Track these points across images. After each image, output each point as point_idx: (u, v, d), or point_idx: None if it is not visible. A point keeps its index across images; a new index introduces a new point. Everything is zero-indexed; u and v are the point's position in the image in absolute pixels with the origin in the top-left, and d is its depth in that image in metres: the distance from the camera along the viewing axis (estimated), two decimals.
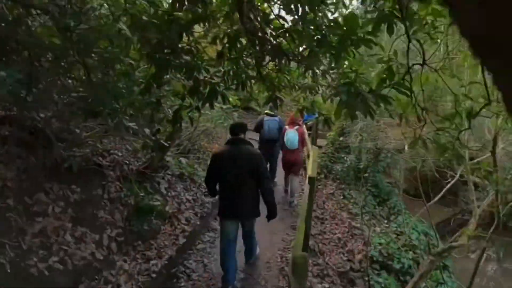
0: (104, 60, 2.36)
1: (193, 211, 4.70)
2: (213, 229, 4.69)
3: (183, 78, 2.72)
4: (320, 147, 10.16)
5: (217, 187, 3.37)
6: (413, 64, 1.40)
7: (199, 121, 5.92)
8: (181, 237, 4.10)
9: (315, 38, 2.03)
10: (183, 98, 2.92)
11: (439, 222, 9.68)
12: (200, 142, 6.58)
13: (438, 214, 9.78)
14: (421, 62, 1.36)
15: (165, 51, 2.57)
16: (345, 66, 2.18)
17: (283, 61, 2.28)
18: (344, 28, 1.49)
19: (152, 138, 3.32)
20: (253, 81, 2.59)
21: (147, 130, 3.29)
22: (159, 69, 2.68)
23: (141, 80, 2.80)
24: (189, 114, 3.01)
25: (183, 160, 5.28)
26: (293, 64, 2.70)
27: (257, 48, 2.23)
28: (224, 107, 6.91)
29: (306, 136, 7.74)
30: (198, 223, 4.59)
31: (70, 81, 3.43)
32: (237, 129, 3.28)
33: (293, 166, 5.76)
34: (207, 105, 2.75)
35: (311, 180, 3.56)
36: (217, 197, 3.50)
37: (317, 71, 2.22)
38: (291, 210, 5.55)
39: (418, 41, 1.34)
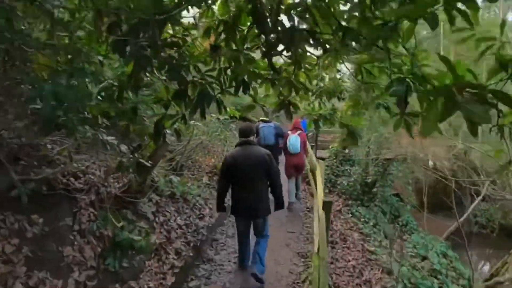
0: (54, 52, 1.66)
1: (185, 239, 3.93)
2: (209, 260, 3.93)
3: (165, 79, 2.03)
4: (323, 159, 9.49)
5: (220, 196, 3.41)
6: None
7: (193, 134, 5.22)
8: (170, 274, 3.32)
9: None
10: (167, 106, 2.23)
11: (448, 235, 8.99)
12: (195, 157, 5.84)
13: (444, 227, 9.11)
14: None
15: (142, 43, 1.89)
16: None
17: (300, 50, 1.60)
18: None
19: (130, 156, 2.59)
20: (259, 81, 1.91)
21: (123, 147, 2.56)
22: (135, 67, 1.99)
23: (111, 81, 2.10)
24: (175, 126, 2.31)
25: (174, 178, 4.53)
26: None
27: (266, 33, 1.55)
28: (221, 117, 6.25)
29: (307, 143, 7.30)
30: (191, 254, 3.82)
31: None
32: (247, 131, 3.38)
33: (297, 168, 5.83)
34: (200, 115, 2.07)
35: (327, 206, 2.82)
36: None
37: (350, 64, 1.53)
38: (297, 234, 4.81)
39: None
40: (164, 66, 1.99)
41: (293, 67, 1.61)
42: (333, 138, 12.25)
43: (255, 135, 5.33)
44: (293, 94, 1.89)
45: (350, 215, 6.32)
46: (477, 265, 7.79)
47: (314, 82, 2.25)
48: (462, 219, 4.79)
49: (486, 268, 8.63)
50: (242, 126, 3.55)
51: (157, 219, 3.90)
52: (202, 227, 4.35)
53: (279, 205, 3.39)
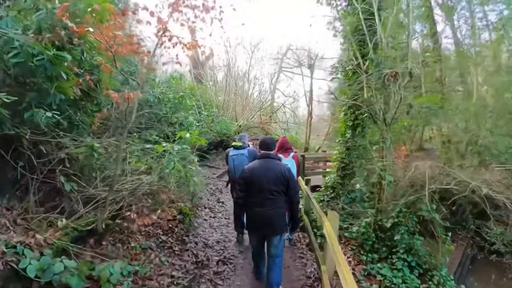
0: None
1: None
2: None
3: None
4: (317, 188, 7.48)
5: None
6: None
7: (116, 173, 3.07)
8: None
9: None
10: None
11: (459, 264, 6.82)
12: (130, 216, 3.60)
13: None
14: None
15: None
16: None
17: None
18: None
19: None
20: None
21: None
22: None
23: None
24: None
25: (61, 262, 2.31)
26: None
27: None
28: (177, 147, 4.16)
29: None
30: None
31: None
32: (268, 144, 3.21)
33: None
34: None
35: None
36: None
37: None
38: None
39: None
40: None
41: None
42: (320, 164, 10.48)
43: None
44: None
45: (370, 280, 4.12)
46: None
47: None
48: None
49: None
50: (264, 138, 3.34)
51: None
52: None
53: (294, 222, 3.21)
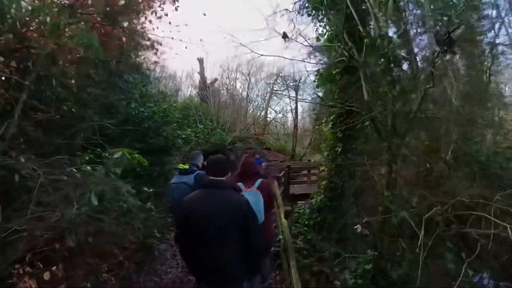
0: None
1: None
2: None
3: None
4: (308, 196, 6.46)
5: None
6: None
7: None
8: None
9: None
10: None
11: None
12: None
13: None
14: None
15: None
16: None
17: None
18: None
19: None
20: None
21: None
22: None
23: None
24: None
25: None
26: None
27: None
28: (100, 172, 2.77)
29: (277, 192, 4.83)
30: None
31: None
32: (217, 167, 2.08)
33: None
34: None
35: None
36: None
37: None
38: None
39: None
40: None
41: None
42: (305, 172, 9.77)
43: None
44: None
45: None
46: None
47: None
48: None
49: None
50: (213, 158, 2.14)
51: None
52: None
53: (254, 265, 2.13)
